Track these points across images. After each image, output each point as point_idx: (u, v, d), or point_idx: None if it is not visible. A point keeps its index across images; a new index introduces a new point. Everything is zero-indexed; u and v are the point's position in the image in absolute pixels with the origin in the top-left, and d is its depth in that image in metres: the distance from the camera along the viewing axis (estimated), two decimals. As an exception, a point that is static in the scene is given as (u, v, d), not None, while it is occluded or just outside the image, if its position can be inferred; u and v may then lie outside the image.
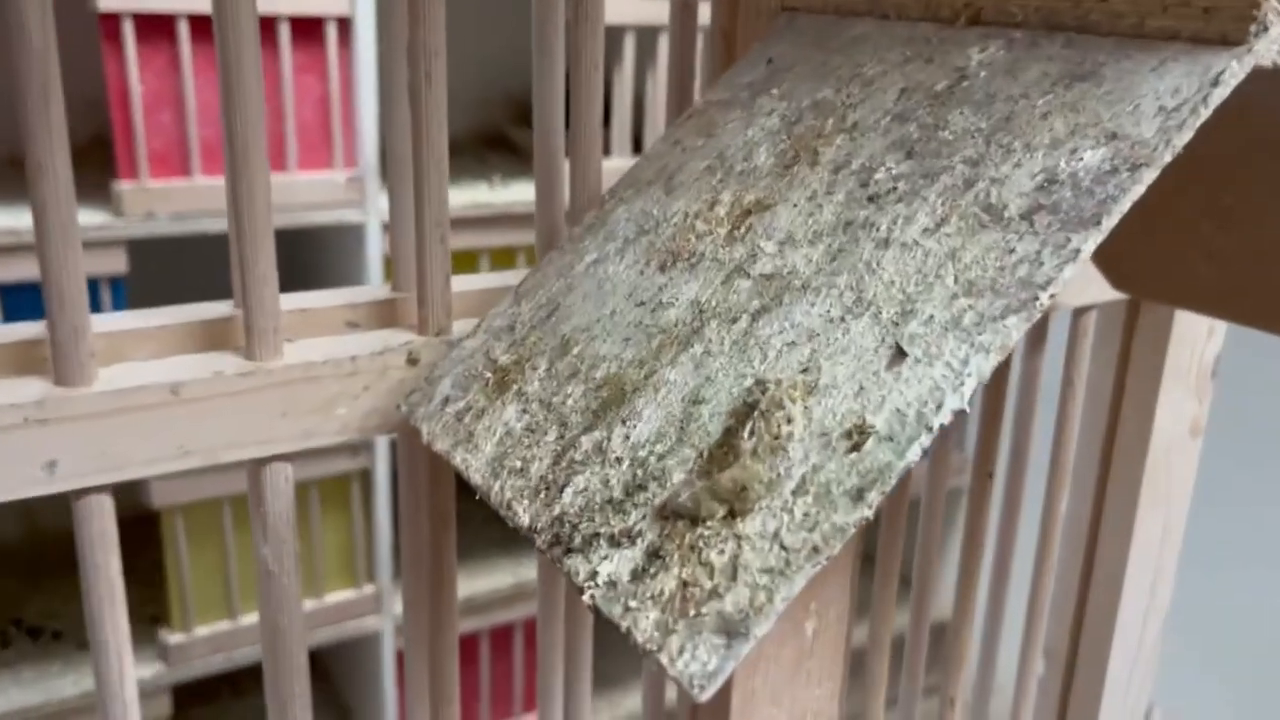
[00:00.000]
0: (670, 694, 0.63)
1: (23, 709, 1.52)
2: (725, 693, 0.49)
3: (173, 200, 1.46)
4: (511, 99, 2.02)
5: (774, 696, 0.50)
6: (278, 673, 0.45)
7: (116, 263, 1.42)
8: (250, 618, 1.67)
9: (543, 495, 0.31)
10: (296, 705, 0.46)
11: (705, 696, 0.24)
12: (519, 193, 1.67)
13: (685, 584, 0.26)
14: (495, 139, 2.05)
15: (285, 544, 0.42)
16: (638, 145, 1.73)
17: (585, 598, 0.27)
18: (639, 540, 0.27)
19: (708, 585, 0.25)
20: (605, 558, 0.28)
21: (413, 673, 0.52)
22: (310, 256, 1.86)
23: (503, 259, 1.75)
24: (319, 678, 2.20)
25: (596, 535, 0.28)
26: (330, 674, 2.15)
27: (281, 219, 1.54)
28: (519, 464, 0.32)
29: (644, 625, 0.26)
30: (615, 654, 2.17)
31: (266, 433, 0.40)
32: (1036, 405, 0.61)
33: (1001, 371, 0.61)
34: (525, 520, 0.30)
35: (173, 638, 1.63)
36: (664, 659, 0.25)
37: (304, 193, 1.59)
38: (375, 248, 1.61)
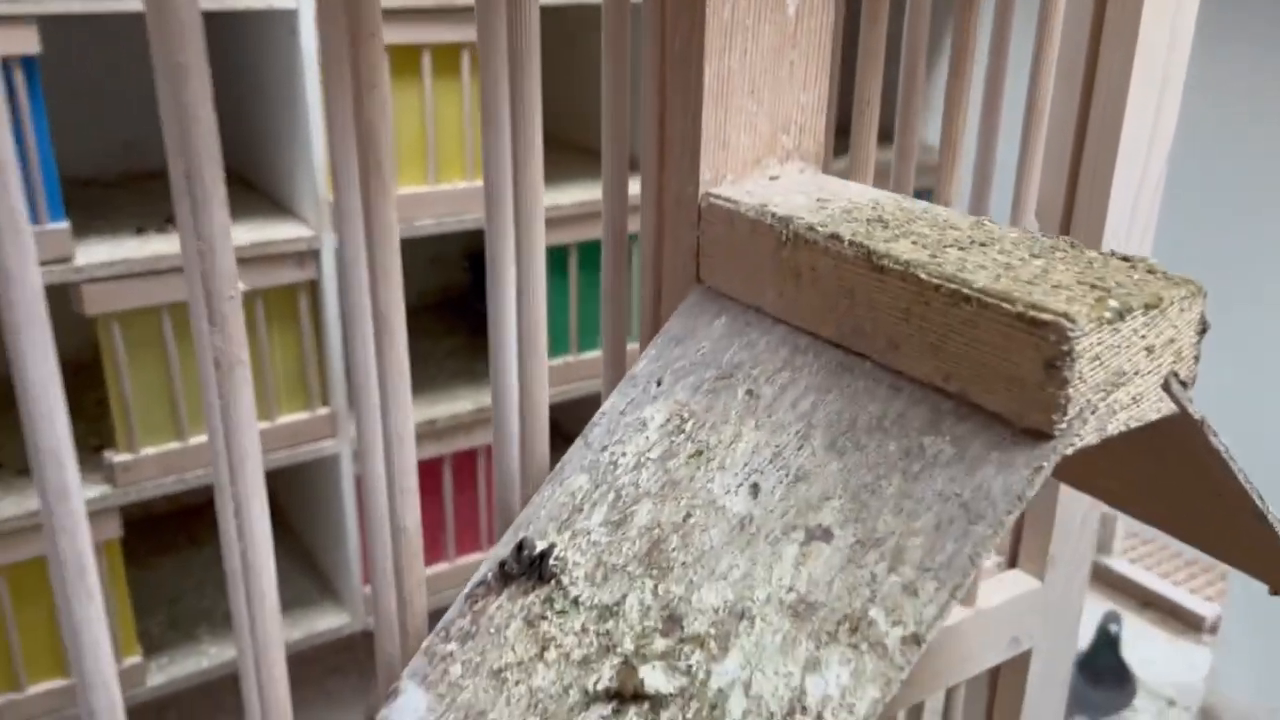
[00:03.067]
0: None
1: (-40, 529, 1.44)
2: (699, 74, 0.43)
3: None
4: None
5: (752, 86, 0.44)
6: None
7: (27, 42, 1.32)
8: (200, 438, 1.60)
9: None
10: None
11: None
12: (461, -16, 1.59)
13: None
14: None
15: None
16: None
17: None
18: None
19: None
20: None
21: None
22: (243, 58, 1.76)
23: (447, 57, 1.67)
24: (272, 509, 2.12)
25: None
26: (284, 503, 2.07)
27: (207, 3, 1.44)
28: None
29: None
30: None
31: None
32: None
33: None
34: None
35: (118, 457, 1.55)
36: None
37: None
38: (310, 40, 1.53)
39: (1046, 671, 0.73)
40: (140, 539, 1.91)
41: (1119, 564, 2.47)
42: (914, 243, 0.38)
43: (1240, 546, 0.43)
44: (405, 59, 1.62)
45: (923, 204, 0.42)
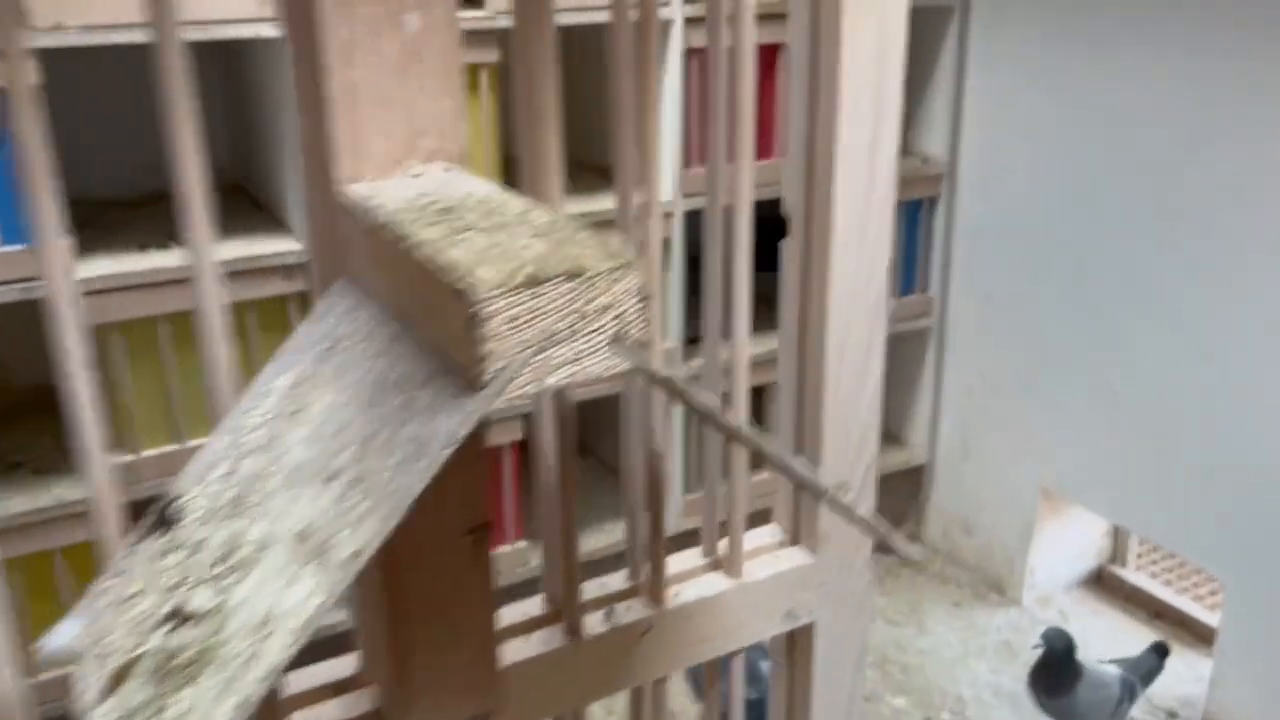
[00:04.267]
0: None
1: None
2: (326, 87, 0.49)
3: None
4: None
5: (382, 96, 0.50)
6: None
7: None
8: (195, 441, 1.70)
9: None
10: None
11: None
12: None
13: None
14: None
15: None
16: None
17: None
18: None
19: None
20: None
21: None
22: (249, 83, 1.87)
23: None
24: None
25: None
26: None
27: (195, 33, 1.55)
28: None
29: None
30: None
31: None
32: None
33: None
34: None
35: (121, 459, 1.66)
36: None
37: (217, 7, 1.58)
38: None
39: (833, 646, 0.77)
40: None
41: (1132, 575, 2.43)
42: (449, 227, 0.43)
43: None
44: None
45: (504, 197, 0.48)
